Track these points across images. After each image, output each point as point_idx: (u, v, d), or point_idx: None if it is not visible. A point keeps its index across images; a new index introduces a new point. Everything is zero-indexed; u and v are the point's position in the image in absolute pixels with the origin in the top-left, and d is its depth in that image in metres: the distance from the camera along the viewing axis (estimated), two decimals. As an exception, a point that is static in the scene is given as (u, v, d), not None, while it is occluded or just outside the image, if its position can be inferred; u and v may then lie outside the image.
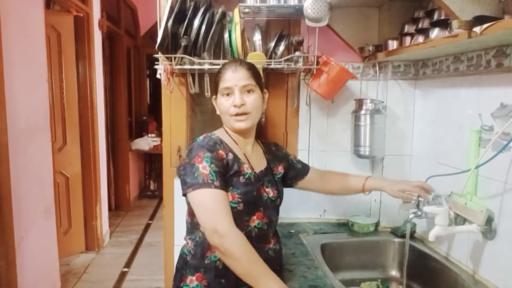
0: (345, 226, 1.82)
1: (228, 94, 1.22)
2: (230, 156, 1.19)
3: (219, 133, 1.27)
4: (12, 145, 2.07)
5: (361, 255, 1.67)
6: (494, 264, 1.24)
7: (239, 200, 1.16)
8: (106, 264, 3.43)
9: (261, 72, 1.59)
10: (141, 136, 5.26)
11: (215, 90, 1.28)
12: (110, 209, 4.37)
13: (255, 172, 1.24)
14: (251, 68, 1.25)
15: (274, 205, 1.28)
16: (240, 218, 1.17)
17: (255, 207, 1.20)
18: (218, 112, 1.29)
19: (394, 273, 1.65)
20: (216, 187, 1.11)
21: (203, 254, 1.19)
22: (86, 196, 3.59)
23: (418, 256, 1.56)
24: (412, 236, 1.67)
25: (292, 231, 1.77)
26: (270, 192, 1.26)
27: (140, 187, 5.69)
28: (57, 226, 2.80)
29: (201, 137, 1.23)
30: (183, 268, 1.24)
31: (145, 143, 5.14)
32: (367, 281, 1.54)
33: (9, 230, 2.04)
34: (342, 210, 1.86)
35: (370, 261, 1.66)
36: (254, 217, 1.20)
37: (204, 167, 1.12)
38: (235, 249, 1.04)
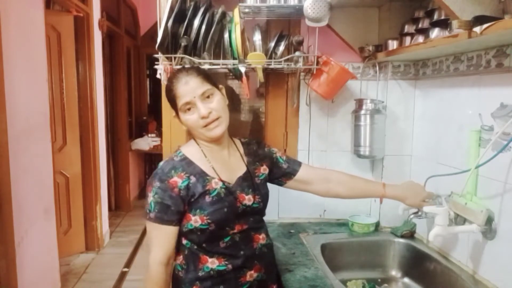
0: (345, 226, 1.81)
1: (189, 109, 1.15)
2: (192, 179, 1.15)
3: (186, 149, 1.22)
4: (12, 145, 2.07)
5: (361, 255, 1.67)
6: (494, 264, 1.24)
7: (209, 221, 1.13)
8: (106, 264, 3.43)
9: (261, 72, 1.60)
10: (141, 136, 5.26)
11: (173, 108, 1.20)
12: (110, 209, 4.37)
13: (228, 184, 1.19)
14: (200, 72, 1.19)
15: (256, 210, 1.23)
16: (214, 237, 1.17)
17: (230, 222, 1.17)
18: (184, 128, 1.22)
19: (394, 273, 1.65)
20: (150, 218, 1.14)
21: (196, 266, 1.18)
22: (86, 196, 3.59)
23: (418, 256, 1.56)
24: (412, 236, 1.67)
25: (292, 231, 1.77)
26: (251, 199, 1.21)
27: (140, 187, 5.69)
28: (57, 226, 2.80)
29: (162, 162, 1.20)
30: (178, 285, 1.23)
31: (145, 143, 5.14)
32: (353, 280, 1.54)
33: (9, 230, 2.04)
34: (342, 210, 1.86)
35: (370, 261, 1.66)
36: (234, 230, 1.18)
37: (150, 197, 1.14)
38: (149, 279, 1.15)
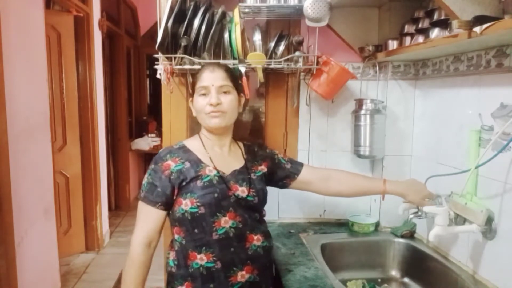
0: (345, 226, 1.81)
1: (204, 94, 1.23)
2: (187, 164, 1.21)
3: (188, 141, 1.30)
4: (12, 145, 2.07)
5: (361, 255, 1.67)
6: (494, 264, 1.24)
7: (198, 204, 1.16)
8: (106, 264, 3.43)
9: (261, 72, 1.60)
10: (141, 136, 5.26)
11: (192, 92, 1.29)
12: (110, 209, 4.37)
13: (222, 173, 1.22)
14: (229, 70, 1.27)
15: (251, 204, 1.24)
16: (204, 221, 1.17)
17: (222, 208, 1.18)
18: (194, 114, 1.29)
19: (394, 273, 1.65)
20: (140, 197, 1.23)
21: (186, 263, 1.20)
22: (86, 196, 3.59)
23: (418, 256, 1.56)
24: (412, 236, 1.67)
25: (292, 231, 1.76)
26: (245, 191, 1.23)
27: (140, 187, 5.68)
28: (57, 226, 2.80)
29: (162, 148, 1.29)
30: (172, 281, 1.24)
31: (145, 143, 5.14)
32: (353, 280, 1.53)
33: (9, 230, 2.04)
34: (342, 210, 1.86)
35: (370, 261, 1.66)
36: (226, 218, 1.18)
37: (145, 178, 1.24)
38: (128, 258, 1.19)
